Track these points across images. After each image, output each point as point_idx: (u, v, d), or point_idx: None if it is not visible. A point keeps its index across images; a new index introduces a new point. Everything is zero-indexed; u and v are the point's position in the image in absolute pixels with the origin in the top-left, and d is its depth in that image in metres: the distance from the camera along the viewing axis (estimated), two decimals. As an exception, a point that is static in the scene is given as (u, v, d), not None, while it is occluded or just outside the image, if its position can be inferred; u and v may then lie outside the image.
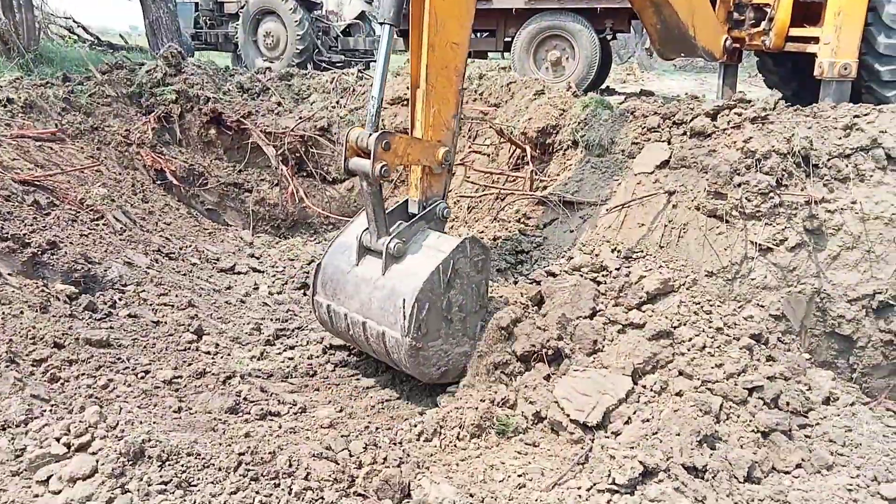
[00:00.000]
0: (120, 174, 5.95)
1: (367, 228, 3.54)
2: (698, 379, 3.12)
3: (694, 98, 8.69)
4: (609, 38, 9.41)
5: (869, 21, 5.01)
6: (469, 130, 6.45)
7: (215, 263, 5.37)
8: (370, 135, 3.21)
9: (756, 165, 3.87)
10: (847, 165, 3.87)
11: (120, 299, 4.12)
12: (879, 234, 3.68)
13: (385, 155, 3.27)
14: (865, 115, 4.12)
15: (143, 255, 4.86)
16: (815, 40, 5.24)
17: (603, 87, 10.03)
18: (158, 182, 6.18)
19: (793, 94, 6.81)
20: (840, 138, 3.99)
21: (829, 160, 3.91)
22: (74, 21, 12.86)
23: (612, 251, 3.94)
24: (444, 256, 3.34)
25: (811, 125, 4.10)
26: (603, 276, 3.76)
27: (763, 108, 4.20)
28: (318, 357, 3.99)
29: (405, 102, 6.70)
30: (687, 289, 3.67)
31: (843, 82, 4.99)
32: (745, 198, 3.79)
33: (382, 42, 3.36)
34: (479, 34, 9.81)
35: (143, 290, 4.31)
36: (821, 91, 5.12)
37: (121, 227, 5.03)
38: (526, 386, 3.20)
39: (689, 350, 3.26)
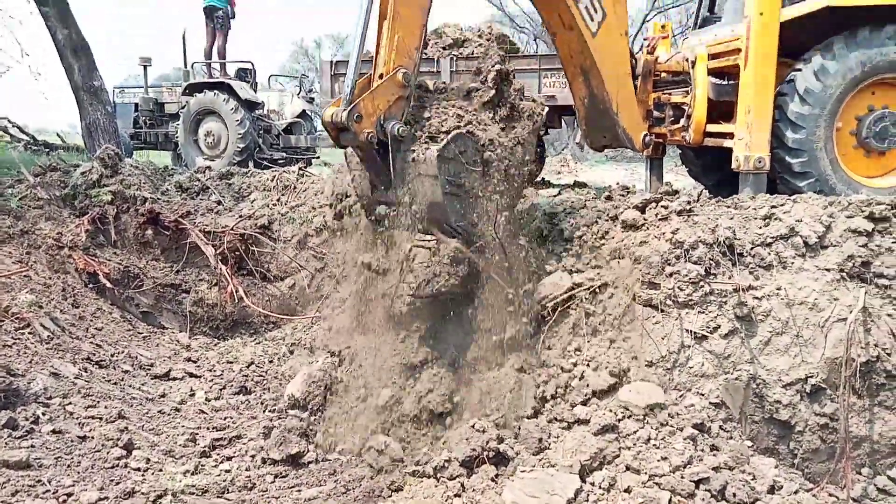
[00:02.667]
0: (50, 278, 5.74)
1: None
2: (645, 473, 3.10)
3: (625, 188, 9.12)
4: (542, 133, 9.87)
5: (777, 118, 5.41)
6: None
7: (149, 370, 5.16)
8: (344, 110, 3.45)
9: (685, 255, 4.02)
10: (769, 253, 4.06)
11: (44, 414, 3.88)
12: (806, 319, 3.83)
13: (361, 125, 3.50)
14: (781, 205, 4.38)
15: (71, 364, 4.63)
16: (731, 136, 5.61)
17: (539, 179, 10.40)
18: (91, 286, 5.99)
19: (714, 185, 7.21)
20: (760, 228, 4.20)
21: (752, 248, 4.10)
22: (10, 121, 12.71)
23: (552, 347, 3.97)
24: (438, 182, 3.61)
25: (733, 216, 4.32)
26: (545, 372, 3.77)
27: (687, 201, 4.41)
28: (256, 468, 3.81)
29: (347, 198, 6.79)
30: (629, 381, 3.71)
31: (759, 174, 5.32)
32: (678, 287, 3.91)
33: (361, 11, 3.59)
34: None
35: (70, 403, 4.08)
36: (739, 183, 5.43)
37: (48, 336, 4.80)
38: (473, 489, 3.12)
39: (634, 444, 3.26)
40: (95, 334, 5.37)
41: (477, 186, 3.94)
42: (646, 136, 5.86)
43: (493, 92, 4.10)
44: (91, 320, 5.55)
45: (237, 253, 6.49)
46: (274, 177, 7.20)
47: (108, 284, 6.03)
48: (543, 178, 11.02)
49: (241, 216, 6.64)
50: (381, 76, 3.68)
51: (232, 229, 6.40)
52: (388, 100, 3.69)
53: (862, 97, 5.43)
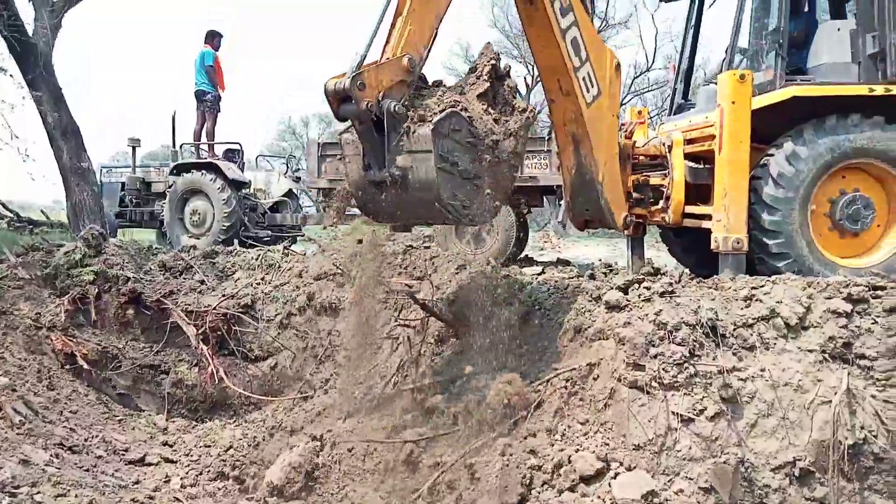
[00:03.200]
0: (25, 360, 5.63)
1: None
2: (637, 565, 3.01)
3: (607, 266, 9.22)
4: (525, 211, 10.06)
5: (752, 200, 5.57)
6: (395, 304, 6.53)
7: (123, 455, 5.00)
8: (349, 78, 3.61)
9: (669, 337, 4.04)
10: (752, 335, 4.09)
11: (10, 505, 3.72)
12: (791, 401, 3.82)
13: (364, 93, 3.66)
14: (761, 286, 4.45)
15: (42, 450, 4.48)
16: (709, 217, 5.75)
17: (522, 256, 10.52)
18: (68, 367, 5.86)
19: (695, 264, 7.33)
20: (742, 309, 4.25)
21: (734, 329, 4.13)
22: (-7, 198, 12.74)
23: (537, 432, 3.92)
24: (432, 157, 3.71)
25: (715, 297, 4.37)
26: (531, 456, 3.71)
27: (669, 282, 4.47)
28: (232, 561, 3.65)
29: (330, 277, 6.80)
30: (619, 465, 3.65)
31: (738, 255, 5.43)
32: (663, 369, 3.91)
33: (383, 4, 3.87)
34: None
35: (39, 493, 3.92)
36: (719, 263, 5.53)
37: (20, 420, 4.66)
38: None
39: (625, 534, 3.17)
40: (69, 418, 5.23)
41: (470, 168, 4.05)
42: (626, 216, 6.00)
43: (486, 84, 4.26)
44: (66, 403, 5.41)
45: (219, 333, 6.41)
46: (258, 256, 7.21)
47: (86, 366, 5.91)
48: (527, 255, 11.16)
49: (224, 295, 6.60)
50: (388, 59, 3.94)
51: (214, 309, 6.34)
52: (392, 78, 3.86)
53: (833, 181, 5.63)
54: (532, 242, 15.61)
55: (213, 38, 10.88)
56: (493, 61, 4.36)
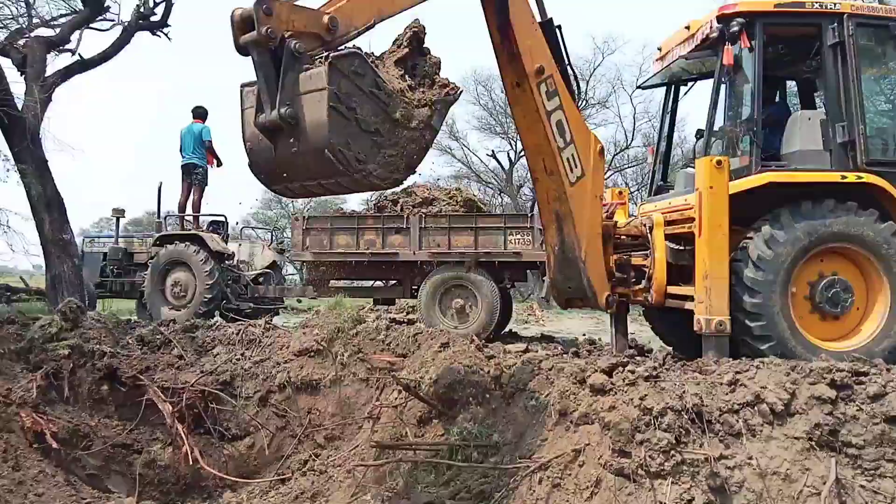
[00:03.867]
0: (-9, 438, 5.41)
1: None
2: None
3: (591, 343, 9.19)
4: (508, 287, 10.08)
5: (733, 282, 5.63)
6: (377, 382, 6.44)
7: (89, 543, 4.75)
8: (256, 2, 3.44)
9: (655, 423, 4.00)
10: (738, 421, 4.06)
11: None
12: (780, 491, 3.76)
13: (268, 20, 3.45)
14: (746, 370, 4.45)
15: (2, 538, 4.26)
16: (691, 298, 5.79)
17: (506, 331, 10.48)
18: (36, 446, 5.64)
19: (678, 343, 7.33)
20: (727, 394, 4.23)
21: (720, 415, 4.10)
22: (-30, 266, 12.55)
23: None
24: (326, 94, 3.46)
25: (699, 381, 4.36)
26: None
27: (654, 366, 4.46)
28: None
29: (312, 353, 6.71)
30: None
31: (721, 337, 5.44)
32: (649, 456, 3.85)
33: None
34: (386, 282, 10.28)
35: (-5, 587, 3.70)
36: (703, 345, 5.53)
37: (-20, 506, 4.44)
38: None
39: None
40: (35, 501, 5.00)
41: (371, 121, 3.74)
42: (609, 296, 6.03)
43: (406, 51, 4.08)
44: (31, 485, 5.18)
45: (196, 410, 6.25)
46: (239, 330, 7.12)
47: (55, 445, 5.68)
48: (511, 330, 11.10)
49: (202, 371, 6.47)
50: None
51: (192, 386, 6.20)
52: (305, 25, 3.64)
53: (812, 264, 5.72)
54: (516, 315, 15.57)
55: (206, 115, 11.06)
56: (415, 30, 4.15)
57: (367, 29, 3.99)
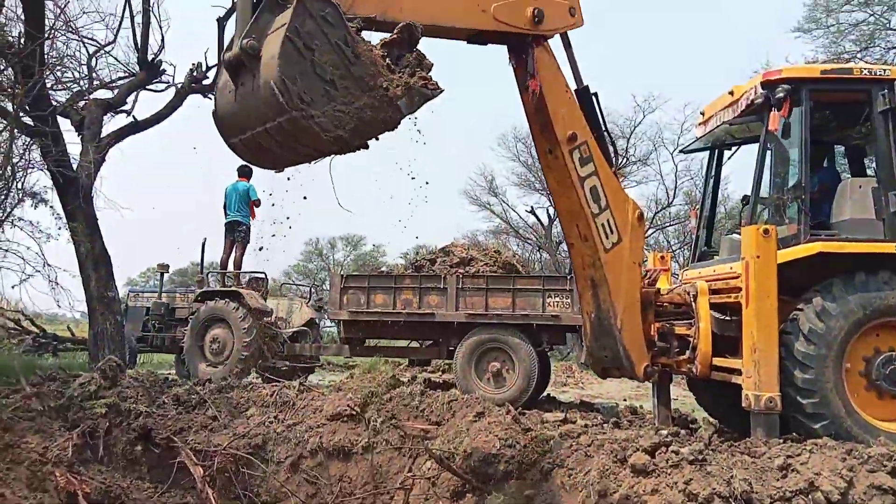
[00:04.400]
0: (25, 498, 5.41)
1: None
2: None
3: (633, 411, 8.87)
4: (547, 350, 9.88)
5: (783, 356, 5.37)
6: (410, 450, 6.28)
7: None
8: None
9: (701, 511, 3.77)
10: (791, 511, 3.80)
11: None
12: (839, 593, 3.47)
13: None
14: (798, 455, 4.20)
15: None
16: (739, 372, 5.54)
17: (544, 395, 10.22)
18: (67, 507, 5.62)
19: (724, 416, 7.02)
20: (778, 480, 3.99)
21: (770, 503, 3.85)
22: (23, 314, 12.89)
23: None
24: (285, 28, 3.33)
25: (748, 465, 4.12)
26: None
27: (699, 448, 4.24)
28: None
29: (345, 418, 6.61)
30: None
31: (771, 415, 5.16)
32: (695, 547, 3.61)
33: None
34: (422, 344, 10.18)
35: None
36: (751, 422, 5.25)
37: (8, 571, 4.40)
38: None
39: None
40: (62, 566, 4.93)
41: (327, 70, 3.53)
42: (647, 366, 5.84)
43: (395, 37, 3.95)
44: (60, 548, 5.13)
45: (227, 475, 6.16)
46: (273, 392, 7.07)
47: (86, 506, 5.65)
48: (549, 395, 10.83)
49: (235, 434, 6.41)
50: None
51: (224, 449, 6.13)
52: None
53: (867, 339, 5.45)
54: (554, 377, 15.22)
55: (251, 173, 11.35)
56: (412, 29, 4.00)
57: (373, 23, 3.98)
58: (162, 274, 12.09)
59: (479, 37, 4.93)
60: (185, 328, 10.46)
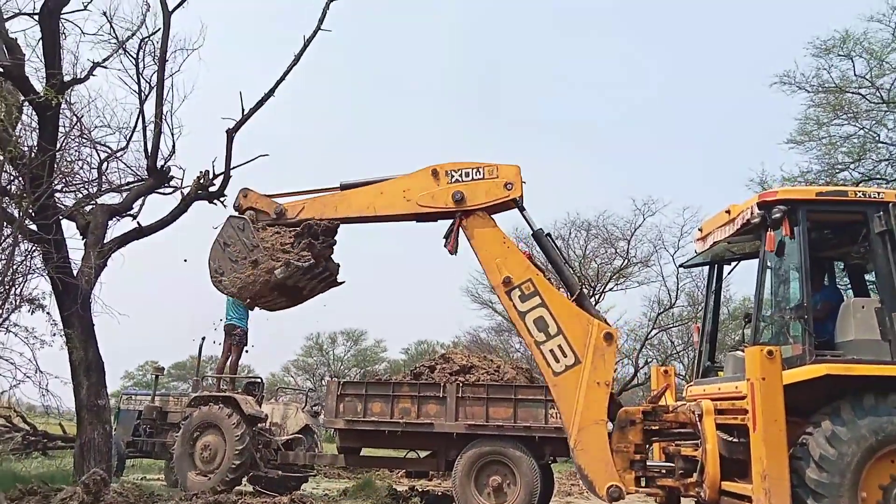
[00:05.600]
0: None
1: None
2: None
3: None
4: (550, 462, 9.52)
5: (794, 483, 5.15)
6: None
7: None
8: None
9: None
10: None
11: None
12: None
13: (243, 199, 7.05)
14: None
15: None
16: (750, 498, 5.29)
17: (548, 507, 9.76)
18: None
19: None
20: None
21: None
22: (15, 411, 12.54)
23: None
24: (217, 235, 6.68)
25: None
26: None
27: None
28: None
29: None
30: None
31: (785, 547, 4.89)
32: None
33: None
34: (420, 454, 9.84)
35: None
36: (766, 554, 4.97)
37: None
38: None
39: None
40: None
41: (235, 255, 6.61)
42: (611, 487, 5.67)
43: (299, 229, 6.63)
44: None
45: None
46: (263, 510, 6.75)
47: None
48: (552, 509, 10.35)
49: (220, 557, 6.08)
50: None
51: (207, 575, 5.79)
52: (263, 206, 6.97)
53: (882, 465, 5.24)
54: (558, 486, 14.61)
55: None
56: (310, 225, 6.63)
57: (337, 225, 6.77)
58: (156, 377, 11.89)
59: (416, 218, 6.77)
60: (177, 434, 10.16)
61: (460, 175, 6.52)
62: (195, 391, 10.99)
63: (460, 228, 6.50)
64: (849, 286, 7.19)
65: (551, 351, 6.08)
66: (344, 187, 6.83)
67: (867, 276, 6.89)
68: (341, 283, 7.25)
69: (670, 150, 66.65)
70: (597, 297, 27.26)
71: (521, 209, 6.65)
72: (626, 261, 27.95)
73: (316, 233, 6.53)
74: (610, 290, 28.85)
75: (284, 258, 6.31)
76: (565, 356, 6.05)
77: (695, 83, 76.02)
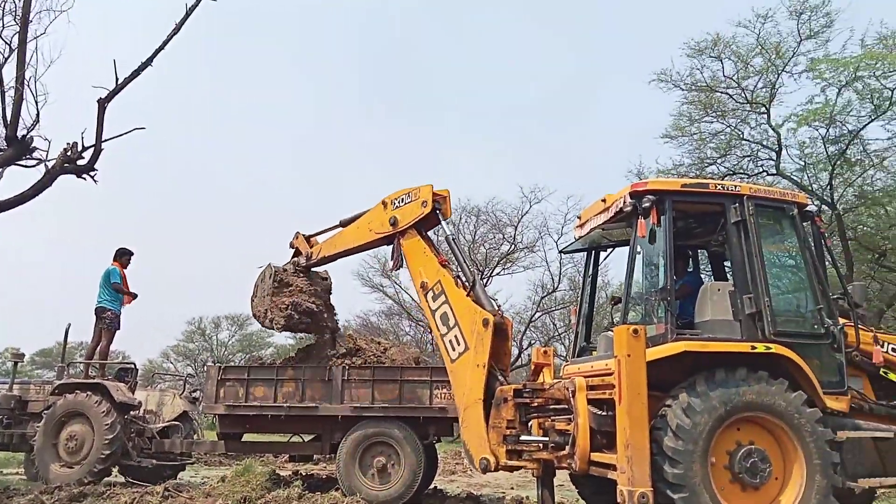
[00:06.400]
0: None
1: None
2: None
3: (518, 502, 8.79)
4: (435, 441, 9.70)
5: (654, 451, 5.55)
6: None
7: None
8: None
9: None
10: None
11: None
12: None
13: (295, 241, 9.60)
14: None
15: None
16: (615, 467, 5.65)
17: (430, 487, 9.96)
18: None
19: (604, 509, 7.10)
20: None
21: None
22: None
23: None
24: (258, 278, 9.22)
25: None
26: None
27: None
28: None
29: None
30: None
31: (645, 512, 5.26)
32: None
33: None
34: (304, 437, 9.73)
35: None
36: (629, 520, 5.32)
37: None
38: None
39: None
40: None
41: (264, 291, 9.06)
42: (483, 459, 6.05)
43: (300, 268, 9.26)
44: None
45: None
46: (133, 500, 6.47)
47: None
48: (436, 486, 10.58)
49: (85, 551, 5.77)
50: None
51: (70, 570, 5.48)
52: (302, 249, 9.44)
53: (729, 433, 5.74)
54: (443, 465, 14.92)
55: (123, 256, 10.81)
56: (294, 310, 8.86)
57: (331, 260, 9.03)
58: (15, 363, 10.98)
59: (378, 244, 8.41)
60: (38, 424, 9.47)
61: (399, 201, 7.90)
62: (60, 378, 10.28)
63: (399, 247, 7.83)
64: (711, 273, 7.81)
65: (450, 341, 6.85)
66: (342, 224, 8.71)
67: (726, 263, 7.51)
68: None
69: (557, 140, 69.10)
70: (484, 280, 27.93)
71: (439, 220, 7.76)
72: (513, 246, 28.86)
73: (300, 310, 8.88)
74: (497, 274, 29.69)
75: (286, 312, 8.81)
76: (459, 345, 6.78)
77: (585, 78, 79.17)
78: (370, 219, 8.20)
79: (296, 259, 9.24)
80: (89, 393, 9.25)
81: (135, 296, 10.84)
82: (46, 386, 10.74)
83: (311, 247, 9.23)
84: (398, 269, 8.09)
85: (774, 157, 18.18)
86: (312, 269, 9.40)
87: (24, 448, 10.45)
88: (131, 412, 9.66)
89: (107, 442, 8.96)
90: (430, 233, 8.08)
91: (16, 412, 10.50)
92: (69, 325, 10.65)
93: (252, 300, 9.32)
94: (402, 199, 7.87)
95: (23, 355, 10.92)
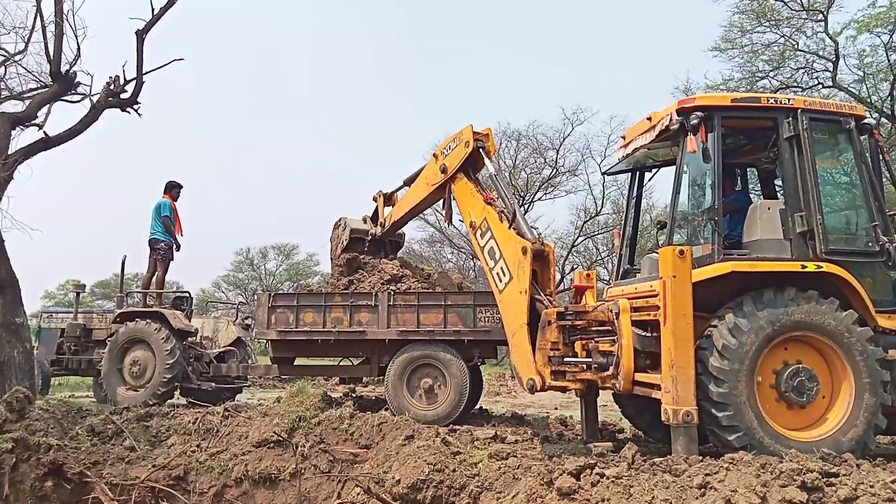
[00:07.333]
0: (-80, 545, 5.04)
1: None
2: None
3: (562, 423, 9.02)
4: (479, 363, 9.94)
5: (699, 371, 5.58)
6: (339, 474, 6.18)
7: None
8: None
9: (622, 533, 3.86)
10: (707, 528, 3.93)
11: None
12: None
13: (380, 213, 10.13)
14: (716, 472, 4.35)
15: None
16: (659, 387, 5.70)
17: (476, 408, 10.28)
18: (-32, 553, 5.28)
19: (647, 427, 7.22)
20: (697, 498, 4.12)
21: (690, 522, 3.97)
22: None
23: None
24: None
25: (668, 485, 4.24)
26: None
27: (623, 470, 4.34)
28: None
29: (272, 444, 6.46)
30: None
31: (689, 427, 5.34)
32: (617, 569, 3.69)
33: None
34: (353, 361, 10.07)
35: None
36: (671, 435, 5.42)
37: None
38: None
39: None
40: None
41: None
42: (530, 380, 6.12)
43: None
44: None
45: (146, 509, 5.91)
46: (196, 419, 6.83)
47: (-12, 552, 5.32)
48: (482, 406, 10.90)
49: (154, 465, 6.15)
50: None
51: (142, 482, 5.88)
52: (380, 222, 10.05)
53: (776, 352, 5.71)
54: (487, 386, 15.32)
55: (172, 189, 11.04)
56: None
57: (402, 223, 9.97)
58: (77, 294, 11.53)
59: (436, 197, 8.59)
60: (103, 350, 10.01)
61: (447, 150, 8.09)
62: (120, 308, 10.76)
63: (450, 195, 8.10)
64: (760, 193, 7.59)
65: (497, 273, 7.01)
66: (406, 183, 9.31)
67: (776, 182, 7.28)
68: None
69: (600, 58, 66.64)
70: (526, 206, 27.74)
71: (483, 157, 7.87)
72: (555, 170, 28.42)
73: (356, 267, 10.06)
74: (539, 199, 29.43)
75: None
76: (505, 275, 6.90)
77: (625, -10, 75.39)
78: (426, 174, 8.53)
79: (374, 231, 9.95)
80: (149, 321, 9.68)
81: (180, 236, 11.11)
82: (108, 315, 11.27)
83: (391, 204, 9.89)
84: (449, 221, 8.55)
85: (831, 69, 17.25)
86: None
87: (92, 373, 11.10)
88: (189, 338, 10.09)
89: (168, 366, 9.43)
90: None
91: (82, 339, 11.10)
92: (125, 256, 11.07)
93: (331, 241, 10.52)
94: (449, 147, 8.08)
95: (84, 286, 11.45)
